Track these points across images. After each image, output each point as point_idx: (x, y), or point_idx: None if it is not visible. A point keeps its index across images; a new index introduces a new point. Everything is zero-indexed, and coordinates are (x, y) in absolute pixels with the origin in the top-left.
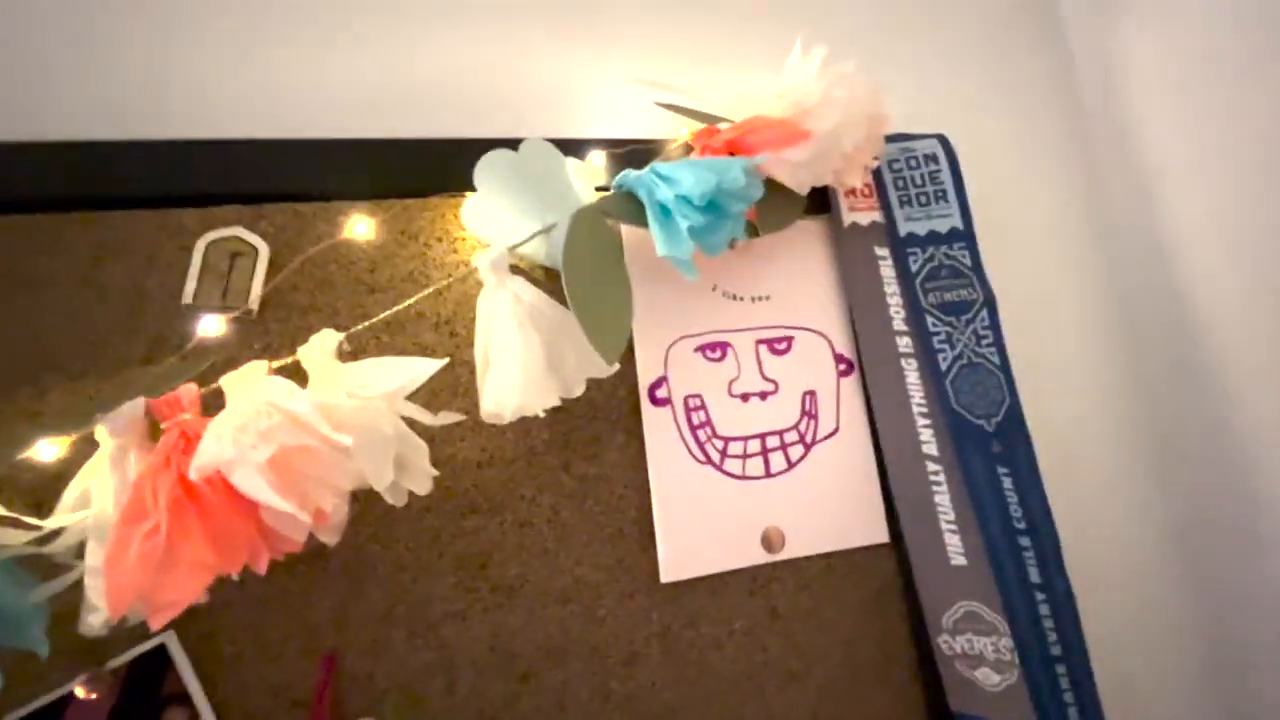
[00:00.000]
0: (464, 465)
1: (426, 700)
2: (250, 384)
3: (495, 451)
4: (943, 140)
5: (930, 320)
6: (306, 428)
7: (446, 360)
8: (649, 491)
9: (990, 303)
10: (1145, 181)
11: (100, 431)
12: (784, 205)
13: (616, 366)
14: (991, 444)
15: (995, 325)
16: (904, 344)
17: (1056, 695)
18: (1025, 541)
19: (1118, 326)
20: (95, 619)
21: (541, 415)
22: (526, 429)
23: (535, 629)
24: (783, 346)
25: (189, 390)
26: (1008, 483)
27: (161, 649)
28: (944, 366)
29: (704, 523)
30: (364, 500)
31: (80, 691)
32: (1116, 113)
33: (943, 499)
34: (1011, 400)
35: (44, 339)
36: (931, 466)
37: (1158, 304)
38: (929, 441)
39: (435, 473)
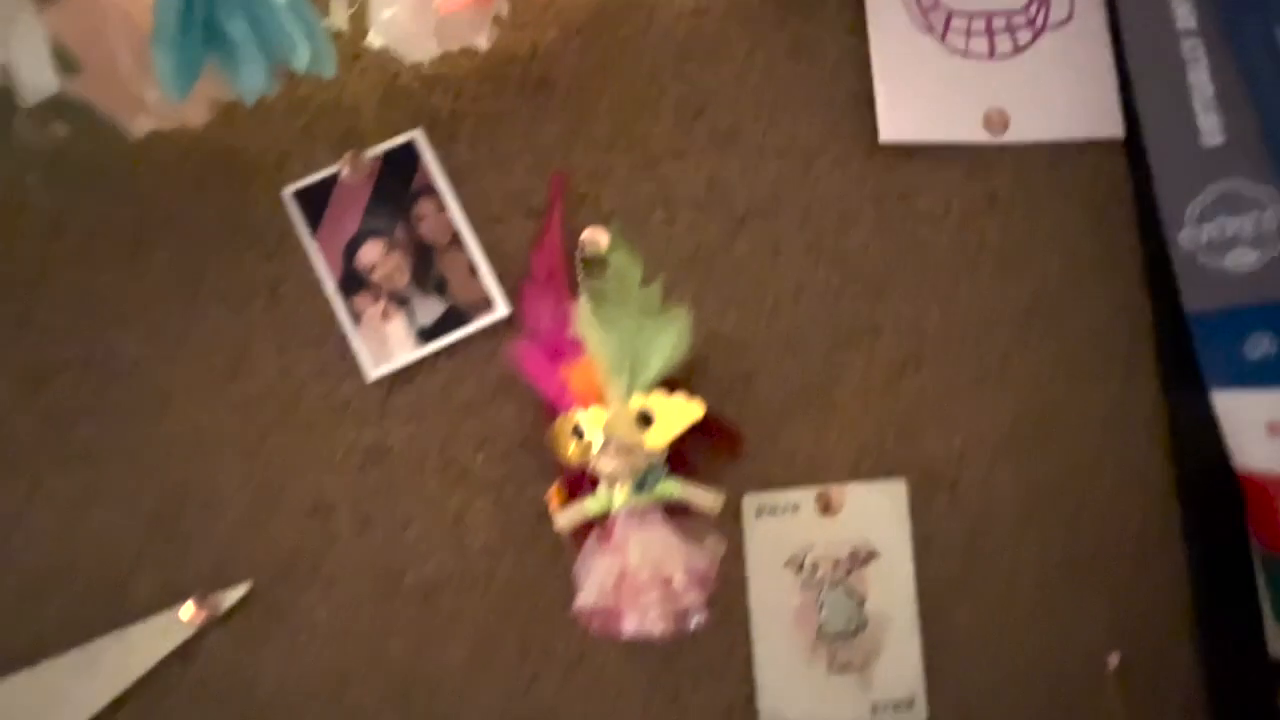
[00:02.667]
0: (679, 12)
1: (648, 227)
2: None
3: (709, 2)
4: None
5: None
6: None
7: None
8: (868, 57)
9: None
10: None
11: None
12: None
13: None
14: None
15: None
16: None
17: None
18: None
19: None
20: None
21: None
22: None
23: (750, 178)
24: None
25: None
26: None
27: (409, 146)
28: None
29: (925, 92)
30: (588, 35)
31: (345, 171)
32: None
33: (1198, 76)
34: None
35: None
36: (1187, 42)
37: None
38: (1186, 16)
39: None
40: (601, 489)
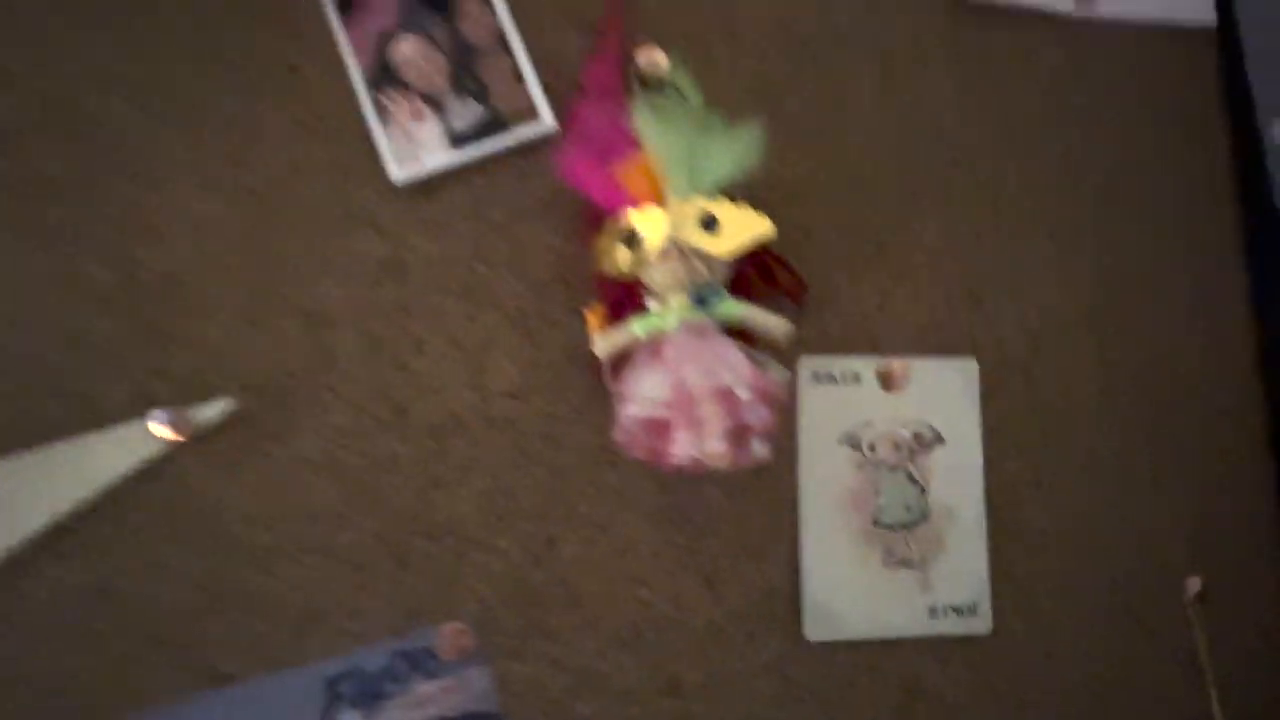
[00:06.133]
0: None
1: (709, 57)
2: None
3: None
4: None
5: None
6: None
7: None
8: None
9: None
10: None
11: None
12: None
13: None
14: None
15: None
16: None
17: None
18: None
19: None
20: None
21: None
22: None
23: (824, 13)
24: None
25: None
26: None
27: None
28: None
29: None
30: None
31: None
32: None
33: None
34: None
35: None
36: None
37: None
38: None
39: None
40: (652, 306)
